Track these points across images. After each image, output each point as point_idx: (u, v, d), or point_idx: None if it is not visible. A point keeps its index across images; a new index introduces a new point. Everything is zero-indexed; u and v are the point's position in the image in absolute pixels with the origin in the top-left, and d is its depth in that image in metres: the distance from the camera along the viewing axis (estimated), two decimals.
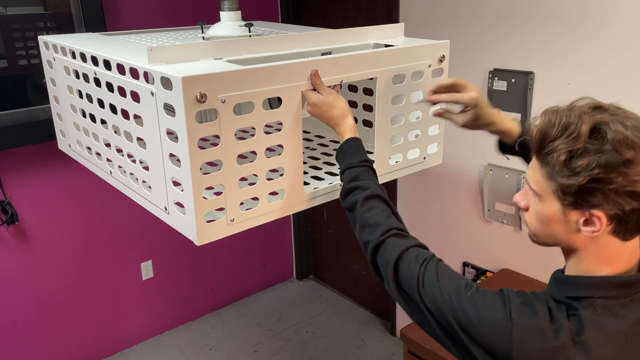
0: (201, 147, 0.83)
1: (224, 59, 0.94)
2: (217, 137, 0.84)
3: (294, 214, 3.45)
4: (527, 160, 1.07)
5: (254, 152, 0.90)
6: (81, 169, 2.58)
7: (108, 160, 1.11)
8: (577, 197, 0.77)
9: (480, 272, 2.44)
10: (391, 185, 2.74)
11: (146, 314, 2.98)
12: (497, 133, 1.11)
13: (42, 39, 1.24)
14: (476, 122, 1.08)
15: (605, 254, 0.82)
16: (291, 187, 0.96)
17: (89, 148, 1.18)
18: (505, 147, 1.14)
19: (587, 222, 0.79)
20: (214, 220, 0.87)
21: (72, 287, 2.67)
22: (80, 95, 1.12)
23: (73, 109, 1.19)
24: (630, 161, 0.74)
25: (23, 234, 2.47)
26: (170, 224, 0.93)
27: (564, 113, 0.79)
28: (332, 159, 1.22)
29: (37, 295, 2.56)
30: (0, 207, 2.36)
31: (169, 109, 0.82)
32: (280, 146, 0.94)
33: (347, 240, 3.32)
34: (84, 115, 1.14)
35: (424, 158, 1.20)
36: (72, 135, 1.26)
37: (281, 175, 0.95)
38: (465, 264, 2.51)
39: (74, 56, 1.11)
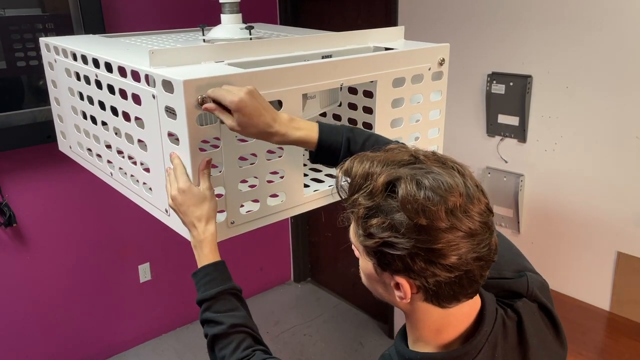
0: (201, 149, 0.83)
1: (225, 62, 0.94)
2: (218, 139, 0.84)
3: (292, 217, 3.44)
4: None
5: (254, 155, 0.90)
6: (79, 171, 2.57)
7: (109, 162, 1.11)
8: (377, 260, 0.68)
9: None
10: None
11: (143, 316, 2.98)
12: (291, 143, 0.89)
13: (43, 40, 1.24)
14: (246, 130, 0.83)
15: (431, 321, 0.72)
16: (292, 189, 0.96)
17: (89, 150, 1.18)
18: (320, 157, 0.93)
19: (397, 287, 0.69)
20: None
21: (69, 289, 2.66)
22: (82, 97, 1.12)
23: (74, 111, 1.19)
24: (422, 227, 0.64)
25: (21, 235, 2.46)
26: (170, 226, 0.93)
27: (368, 161, 0.70)
28: None
29: (34, 297, 2.56)
30: None
31: (170, 112, 0.83)
32: (281, 148, 0.94)
33: (344, 243, 3.30)
34: (84, 117, 1.14)
35: None
36: (72, 137, 1.26)
37: (281, 177, 0.95)
38: None
39: (75, 58, 1.11)
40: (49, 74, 1.27)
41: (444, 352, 0.73)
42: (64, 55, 1.16)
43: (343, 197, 0.73)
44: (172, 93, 0.80)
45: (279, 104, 0.90)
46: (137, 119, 0.94)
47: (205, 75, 0.80)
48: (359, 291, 3.30)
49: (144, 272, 2.90)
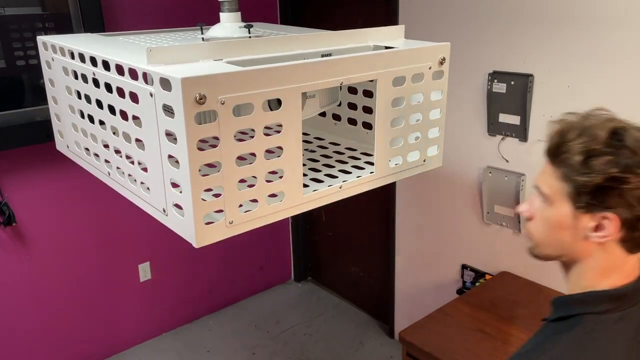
0: (200, 149, 0.82)
1: (224, 60, 0.93)
2: (216, 138, 0.84)
3: (292, 216, 3.43)
4: None
5: (253, 154, 0.89)
6: (78, 170, 2.56)
7: (106, 161, 1.10)
8: (592, 197, 0.78)
9: (479, 274, 2.44)
10: (389, 188, 2.73)
11: (143, 316, 2.97)
12: None
13: (40, 39, 1.23)
14: None
15: (608, 265, 0.82)
16: (291, 189, 0.95)
17: (87, 149, 1.18)
18: None
19: (597, 228, 0.80)
20: (212, 222, 0.86)
21: (69, 288, 2.66)
22: (79, 96, 1.11)
23: (71, 110, 1.18)
24: None
25: (20, 235, 2.46)
26: (168, 225, 0.92)
27: (581, 119, 0.82)
28: (332, 161, 1.21)
29: (33, 296, 2.55)
30: None
31: (168, 110, 0.82)
32: (280, 148, 0.93)
33: (345, 242, 3.31)
34: (82, 116, 1.13)
35: (424, 160, 1.19)
36: (70, 136, 1.25)
37: (280, 177, 0.94)
38: (464, 267, 2.50)
39: (72, 57, 1.10)
40: (46, 72, 1.26)
41: (610, 289, 0.81)
42: (61, 54, 1.15)
43: (553, 143, 0.82)
44: (169, 91, 0.79)
45: (278, 103, 0.90)
46: (134, 117, 0.93)
47: (203, 73, 0.79)
48: (359, 290, 3.29)
49: (144, 272, 2.90)
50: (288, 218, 3.49)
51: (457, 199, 2.47)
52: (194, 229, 0.84)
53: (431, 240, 2.65)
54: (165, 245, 2.92)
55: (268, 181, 0.92)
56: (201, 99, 0.78)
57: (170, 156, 0.86)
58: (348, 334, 3.07)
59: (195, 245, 0.85)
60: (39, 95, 2.33)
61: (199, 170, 0.83)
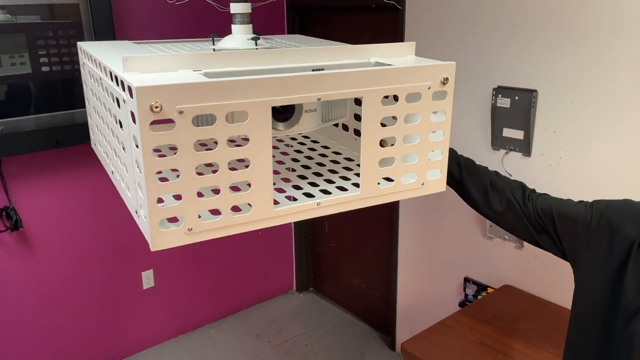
0: (162, 155, 0.82)
1: (202, 71, 0.93)
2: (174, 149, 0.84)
3: (295, 226, 3.43)
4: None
5: (210, 165, 0.88)
6: (85, 177, 2.60)
7: (112, 160, 1.15)
8: None
9: (482, 287, 2.41)
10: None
11: (146, 323, 2.98)
12: None
13: (79, 44, 1.34)
14: None
15: None
16: (258, 202, 0.92)
17: (102, 149, 1.24)
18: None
19: None
20: (170, 228, 0.86)
21: (73, 294, 2.68)
22: (97, 98, 1.18)
23: (95, 111, 1.26)
24: None
25: (26, 240, 2.49)
26: (139, 226, 0.93)
27: None
28: (324, 170, 1.18)
29: (38, 301, 2.58)
30: (5, 213, 2.39)
31: (133, 117, 0.83)
32: (244, 160, 0.91)
33: (348, 254, 3.30)
34: (99, 116, 1.20)
35: (422, 184, 1.13)
36: (94, 136, 1.35)
37: (247, 188, 0.91)
38: (466, 280, 2.48)
39: (91, 61, 1.17)
40: (82, 75, 1.37)
41: None
42: (86, 58, 1.24)
43: None
44: (132, 98, 0.80)
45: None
46: (119, 121, 0.95)
47: (162, 82, 0.79)
48: (361, 302, 3.27)
49: (147, 279, 2.91)
50: (291, 228, 3.49)
51: (459, 212, 2.44)
52: (149, 232, 0.85)
53: (433, 253, 2.63)
54: (169, 253, 2.93)
55: (234, 189, 0.91)
56: (157, 107, 0.78)
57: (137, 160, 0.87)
58: (349, 345, 3.04)
59: (150, 248, 0.86)
60: (50, 103, 2.36)
61: (158, 173, 0.84)
